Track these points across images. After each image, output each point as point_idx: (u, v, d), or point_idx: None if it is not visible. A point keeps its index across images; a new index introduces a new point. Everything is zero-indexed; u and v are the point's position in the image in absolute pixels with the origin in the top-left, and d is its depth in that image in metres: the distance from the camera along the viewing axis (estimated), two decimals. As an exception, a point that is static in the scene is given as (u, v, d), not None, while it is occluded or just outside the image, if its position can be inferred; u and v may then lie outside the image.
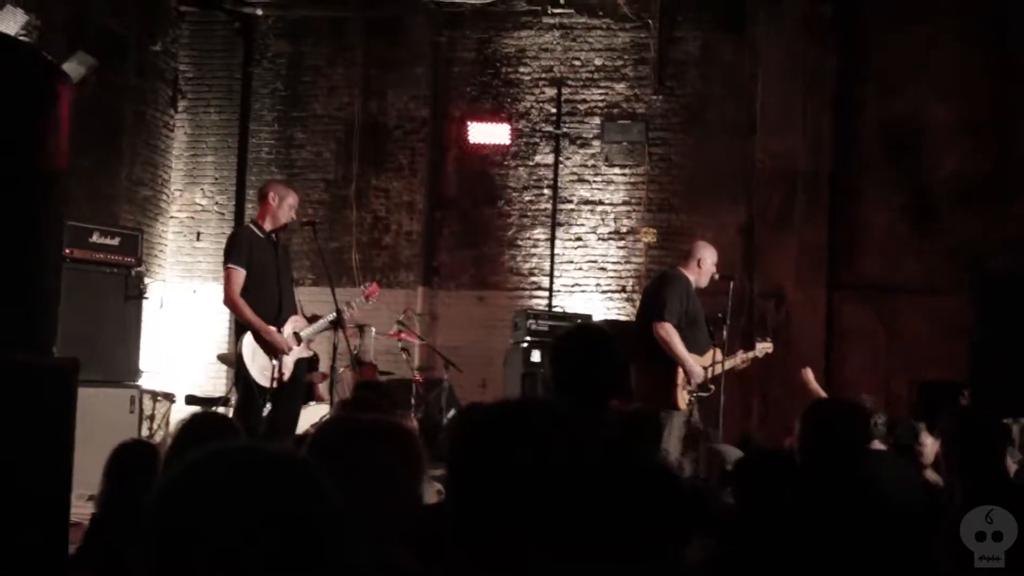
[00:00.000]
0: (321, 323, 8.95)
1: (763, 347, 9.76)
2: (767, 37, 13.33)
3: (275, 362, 8.48)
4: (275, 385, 8.45)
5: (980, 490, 4.59)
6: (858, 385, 11.42)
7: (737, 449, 7.70)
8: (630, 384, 8.90)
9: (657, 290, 9.22)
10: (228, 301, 8.67)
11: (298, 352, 8.74)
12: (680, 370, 8.89)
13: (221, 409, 10.14)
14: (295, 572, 1.60)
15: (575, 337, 4.57)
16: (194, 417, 4.88)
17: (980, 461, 4.69)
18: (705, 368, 9.05)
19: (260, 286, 8.62)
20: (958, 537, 4.27)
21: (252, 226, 8.98)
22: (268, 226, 8.78)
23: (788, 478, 4.55)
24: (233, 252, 8.70)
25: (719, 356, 9.19)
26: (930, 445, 7.16)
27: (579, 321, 11.99)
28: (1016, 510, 4.14)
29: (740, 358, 9.55)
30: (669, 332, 8.89)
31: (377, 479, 2.76)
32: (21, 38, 9.86)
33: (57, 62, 7.93)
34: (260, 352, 8.51)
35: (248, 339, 8.54)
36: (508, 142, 13.77)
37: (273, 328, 8.55)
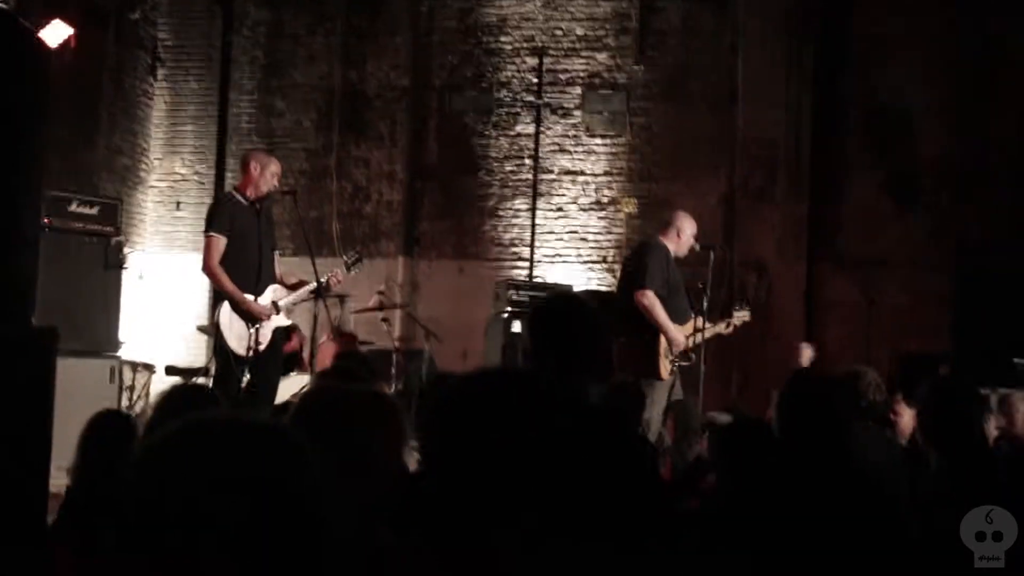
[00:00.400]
0: (301, 292, 8.91)
1: (740, 315, 9.74)
2: (749, 7, 13.31)
3: (252, 331, 8.46)
4: (251, 354, 8.43)
5: (956, 459, 4.60)
6: (839, 357, 11.45)
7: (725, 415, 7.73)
8: (611, 354, 8.91)
9: (638, 259, 9.21)
10: (206, 269, 8.65)
11: (276, 320, 8.72)
12: (662, 340, 8.89)
13: (201, 379, 10.12)
14: (274, 540, 1.60)
15: (551, 305, 4.55)
16: (174, 388, 4.86)
17: (956, 430, 4.70)
18: (686, 336, 9.05)
19: (240, 254, 8.59)
20: (932, 504, 4.29)
21: (235, 193, 8.94)
22: (251, 194, 8.75)
23: (767, 449, 4.56)
24: (215, 220, 8.67)
25: (700, 325, 9.20)
26: (907, 415, 7.16)
27: (555, 289, 11.99)
28: (990, 479, 4.14)
29: (720, 326, 9.56)
30: (651, 300, 8.88)
31: (360, 449, 2.76)
32: (-2, 5, 9.78)
33: (35, 29, 7.86)
34: (237, 321, 8.49)
35: (226, 308, 8.52)
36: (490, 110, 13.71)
37: (250, 297, 8.52)
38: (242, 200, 8.75)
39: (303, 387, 9.90)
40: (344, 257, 9.64)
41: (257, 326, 8.50)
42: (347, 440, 2.74)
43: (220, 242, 8.54)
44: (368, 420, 2.86)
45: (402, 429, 2.89)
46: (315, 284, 8.81)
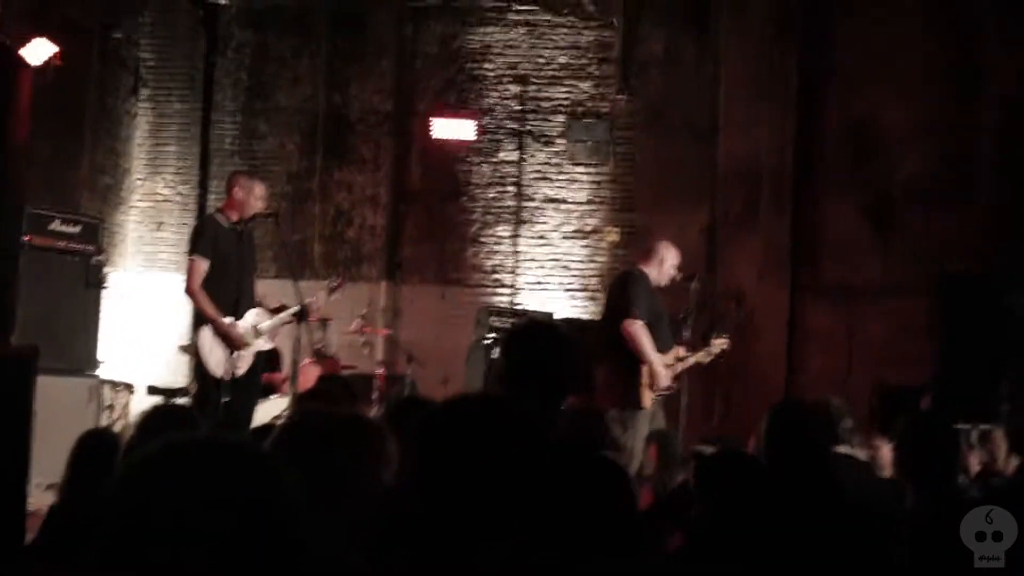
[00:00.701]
0: (283, 316, 8.90)
1: (719, 343, 9.74)
2: (730, 37, 13.35)
3: (233, 355, 8.44)
4: (230, 377, 8.42)
5: (930, 496, 4.60)
6: (819, 387, 11.45)
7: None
8: (587, 380, 8.91)
9: (622, 289, 9.22)
10: (189, 292, 8.65)
11: (257, 344, 8.71)
12: (644, 369, 8.88)
13: (181, 400, 10.08)
14: (252, 558, 1.59)
15: (525, 332, 4.55)
16: (155, 408, 4.84)
17: (931, 467, 4.70)
18: (668, 366, 9.05)
19: (221, 277, 8.60)
20: (913, 540, 4.28)
21: (218, 215, 8.93)
22: (235, 217, 8.75)
23: (754, 479, 4.55)
24: (198, 242, 8.68)
25: (681, 354, 9.21)
26: (884, 449, 7.16)
27: (528, 316, 12.00)
28: (956, 520, 4.12)
29: (699, 355, 9.56)
30: (639, 330, 8.89)
31: (342, 471, 2.76)
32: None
33: (17, 47, 7.86)
34: (218, 344, 8.48)
35: (206, 331, 8.52)
36: (473, 138, 13.73)
37: (229, 320, 8.51)
38: (225, 222, 8.74)
39: (283, 410, 9.87)
40: (327, 282, 9.63)
41: (238, 352, 8.48)
42: (329, 462, 2.75)
43: (203, 265, 8.55)
44: (351, 442, 2.85)
45: (385, 452, 2.89)
46: (297, 308, 8.80)
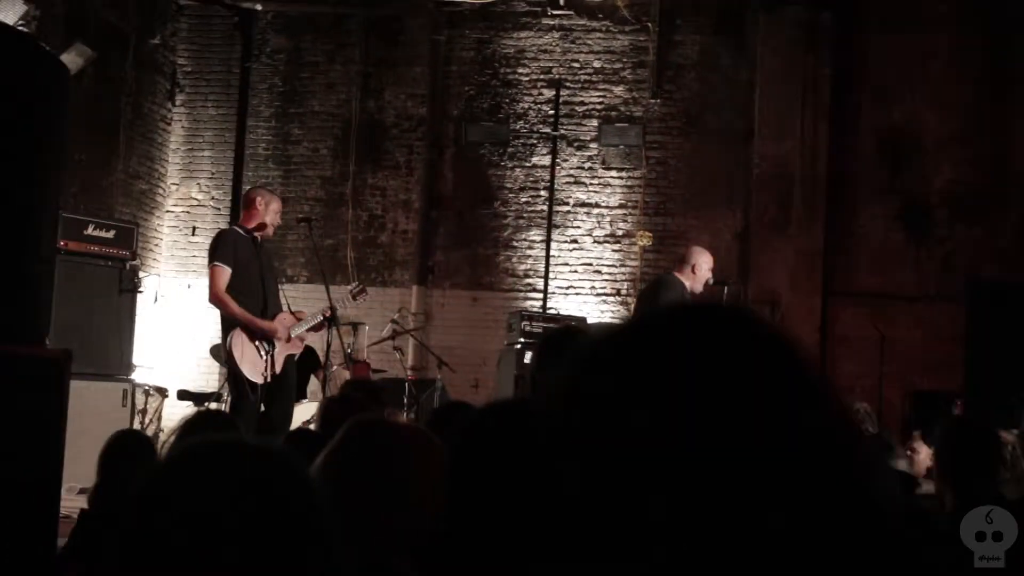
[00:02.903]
0: (310, 320, 8.97)
1: None
2: (765, 43, 13.34)
3: (265, 357, 8.49)
4: (266, 380, 8.46)
5: (971, 501, 4.58)
6: (852, 392, 11.41)
7: None
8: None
9: (653, 295, 9.23)
10: (213, 298, 8.72)
11: (287, 348, 8.75)
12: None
13: (213, 404, 10.13)
14: (277, 560, 1.60)
15: (561, 338, 4.55)
16: (197, 414, 4.89)
17: (972, 471, 4.68)
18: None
19: (245, 284, 8.67)
20: (951, 545, 4.26)
21: (237, 228, 9.05)
22: (253, 229, 8.85)
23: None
24: (219, 250, 8.76)
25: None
26: (924, 453, 7.14)
27: (567, 323, 12.01)
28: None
29: None
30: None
31: (400, 483, 2.78)
32: (20, 28, 9.85)
33: (55, 53, 7.91)
34: (250, 348, 8.53)
35: (237, 336, 8.56)
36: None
37: (259, 319, 8.58)
38: (243, 233, 8.84)
39: (312, 415, 9.91)
40: (350, 288, 9.70)
41: (270, 352, 8.53)
42: (388, 473, 2.77)
43: (225, 272, 8.62)
44: (410, 454, 2.88)
45: (442, 464, 2.91)
46: (324, 312, 8.87)
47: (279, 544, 1.61)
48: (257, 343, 8.55)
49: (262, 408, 8.46)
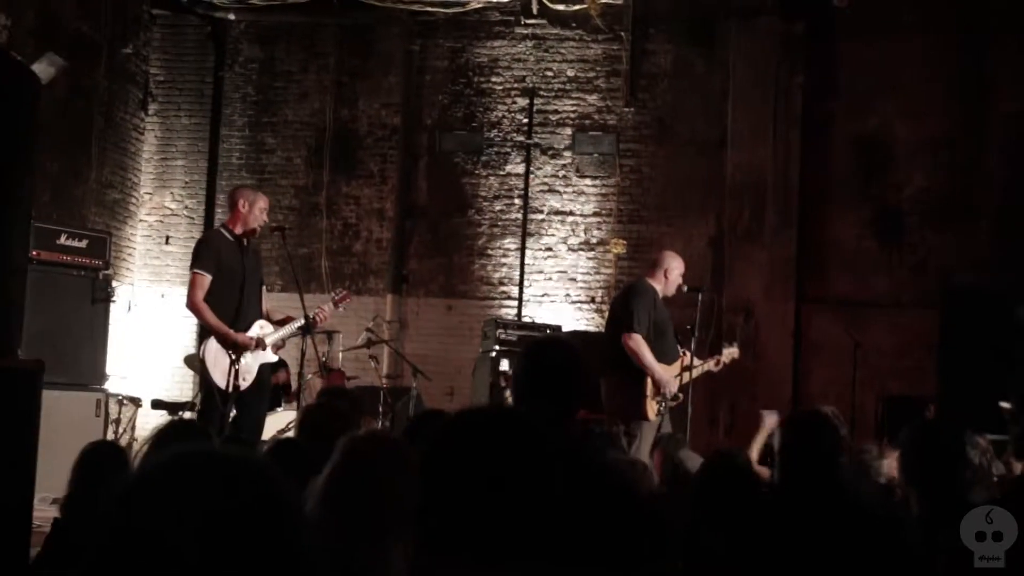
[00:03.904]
0: (288, 328, 8.94)
1: (729, 352, 9.79)
2: (738, 51, 13.39)
3: (236, 366, 8.46)
4: (235, 389, 8.44)
5: (936, 504, 4.60)
6: (825, 399, 11.45)
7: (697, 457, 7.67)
8: (598, 396, 8.93)
9: (625, 302, 9.24)
10: (191, 305, 8.69)
11: (262, 356, 8.73)
12: (649, 381, 8.90)
13: (187, 414, 10.10)
14: (253, 571, 1.60)
15: (542, 347, 4.57)
16: (169, 424, 4.88)
17: (937, 475, 4.70)
18: (675, 376, 9.07)
19: (224, 290, 8.63)
20: (918, 548, 4.28)
21: (223, 230, 8.97)
22: (238, 230, 8.78)
23: (757, 494, 4.55)
24: (201, 257, 8.71)
25: (689, 363, 9.22)
26: (890, 458, 7.14)
27: (549, 332, 12.03)
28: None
29: (709, 363, 9.59)
30: (639, 343, 8.91)
31: (404, 498, 2.80)
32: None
33: (26, 63, 7.88)
34: (222, 356, 8.50)
35: (211, 343, 8.54)
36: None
37: (232, 330, 8.55)
38: (229, 236, 8.78)
39: (289, 423, 9.89)
40: (332, 295, 9.67)
41: (239, 363, 8.49)
42: (392, 489, 2.79)
43: (205, 280, 8.59)
44: (406, 469, 2.89)
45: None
46: (303, 320, 8.83)
47: (254, 556, 1.61)
48: (229, 351, 8.52)
49: (233, 414, 8.44)
